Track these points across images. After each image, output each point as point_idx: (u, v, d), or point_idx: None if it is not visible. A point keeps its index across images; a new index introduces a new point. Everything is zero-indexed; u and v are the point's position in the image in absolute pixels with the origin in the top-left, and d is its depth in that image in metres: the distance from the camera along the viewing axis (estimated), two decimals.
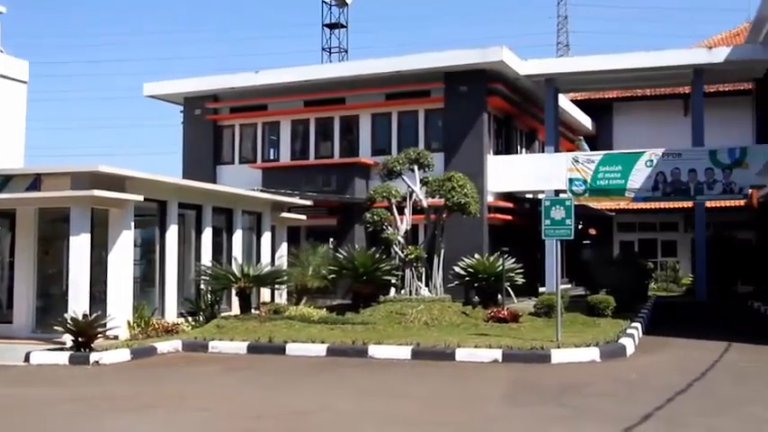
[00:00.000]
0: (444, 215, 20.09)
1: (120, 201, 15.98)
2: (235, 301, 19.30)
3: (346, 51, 54.73)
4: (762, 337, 16.50)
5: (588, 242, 34.49)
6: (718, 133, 28.93)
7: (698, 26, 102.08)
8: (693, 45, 34.30)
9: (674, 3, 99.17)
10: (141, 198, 16.23)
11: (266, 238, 22.02)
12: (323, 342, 14.71)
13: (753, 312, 23.70)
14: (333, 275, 20.42)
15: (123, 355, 13.96)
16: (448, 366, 12.92)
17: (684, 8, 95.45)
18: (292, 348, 14.56)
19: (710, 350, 14.34)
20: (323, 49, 54.80)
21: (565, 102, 31.59)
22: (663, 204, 30.75)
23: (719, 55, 26.67)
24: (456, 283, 21.11)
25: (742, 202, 28.99)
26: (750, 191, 26.44)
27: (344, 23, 54.98)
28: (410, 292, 19.32)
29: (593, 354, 13.37)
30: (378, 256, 20.01)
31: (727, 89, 33.13)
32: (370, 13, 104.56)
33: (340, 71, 28.24)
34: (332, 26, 54.90)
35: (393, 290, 20.05)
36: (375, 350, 14.01)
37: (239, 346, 14.94)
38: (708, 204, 27.62)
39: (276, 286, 20.86)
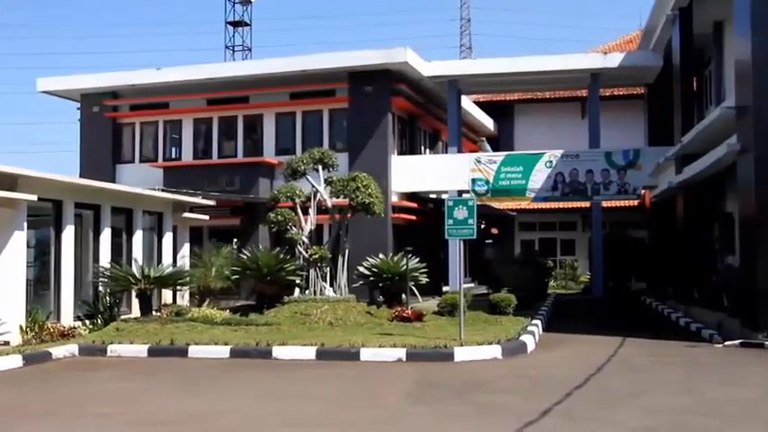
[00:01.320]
0: (349, 215, 20.11)
1: (12, 200, 15.32)
2: (135, 303, 18.80)
3: (250, 50, 54.21)
4: (654, 332, 17.18)
5: (490, 241, 35.19)
6: (614, 135, 29.98)
7: (595, 32, 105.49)
8: (590, 50, 35.43)
9: (572, 9, 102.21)
10: (35, 197, 15.60)
11: (168, 238, 21.55)
12: (226, 344, 14.48)
13: (646, 308, 24.65)
14: (236, 276, 20.16)
15: (15, 361, 13.37)
16: (353, 366, 12.92)
17: (582, 14, 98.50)
18: (195, 350, 14.28)
19: (606, 345, 14.81)
20: (226, 47, 54.12)
21: (468, 103, 32.12)
22: (562, 204, 31.71)
23: (614, 60, 27.65)
24: (360, 282, 21.17)
25: (636, 202, 30.14)
26: (643, 191, 27.51)
27: (248, 21, 54.40)
28: (315, 292, 19.25)
29: (495, 351, 13.62)
30: (282, 256, 19.87)
31: (621, 93, 34.39)
32: (274, 12, 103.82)
33: (244, 70, 27.93)
34: (235, 24, 54.23)
35: (297, 290, 19.93)
36: (279, 351, 13.89)
37: (139, 350, 14.55)
38: (604, 204, 28.61)
39: (178, 288, 20.43)
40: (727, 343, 14.84)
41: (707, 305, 18.81)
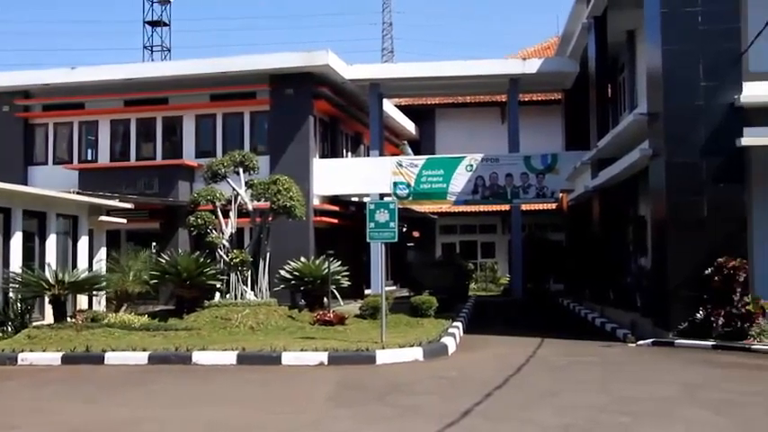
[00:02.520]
0: (270, 218, 19.96)
1: None
2: (48, 309, 18.23)
3: (169, 50, 53.34)
4: (571, 332, 17.59)
5: (412, 244, 35.44)
6: (533, 140, 30.56)
7: (514, 38, 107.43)
8: (509, 56, 36.02)
9: (492, 15, 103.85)
10: None
11: (83, 242, 20.97)
12: (144, 350, 14.17)
13: (563, 309, 25.19)
14: (155, 281, 19.79)
15: None
16: (274, 370, 12.82)
17: (503, 20, 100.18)
18: (111, 357, 13.93)
19: (525, 346, 15.07)
20: (144, 47, 53.10)
21: (389, 107, 32.28)
22: (482, 207, 32.19)
23: (533, 66, 28.21)
24: (282, 286, 21.07)
25: (554, 206, 30.78)
26: (561, 195, 28.14)
27: (167, 21, 53.50)
28: (235, 296, 19.04)
29: (416, 353, 13.70)
30: (202, 260, 19.59)
31: (540, 98, 35.08)
32: (194, 12, 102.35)
33: (163, 70, 27.46)
34: (154, 24, 53.27)
35: (218, 294, 19.69)
36: (199, 356, 13.67)
37: (53, 357, 14.10)
38: (523, 207, 29.17)
39: (94, 293, 19.91)
40: (640, 342, 15.30)
41: (621, 305, 19.35)
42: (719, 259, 14.70)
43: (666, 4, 15.62)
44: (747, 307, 14.41)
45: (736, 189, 15.23)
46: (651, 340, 15.23)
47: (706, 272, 14.79)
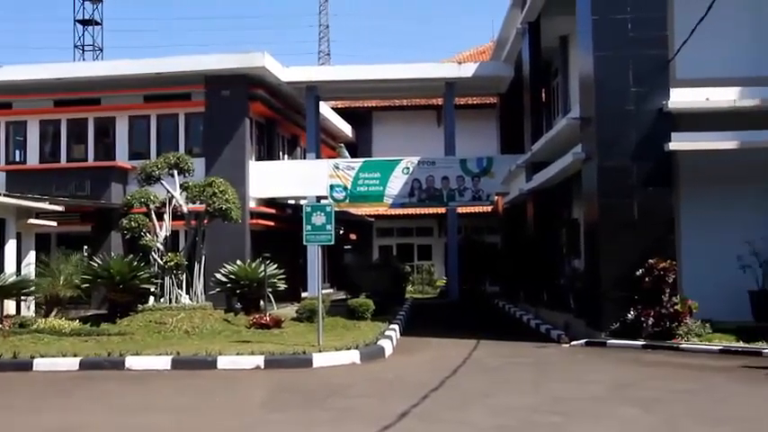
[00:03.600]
0: (205, 221, 19.73)
1: None
2: None
3: (101, 50, 52.28)
4: (506, 334, 17.81)
5: (349, 247, 35.44)
6: (469, 143, 30.84)
7: (450, 42, 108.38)
8: (446, 60, 36.32)
9: (429, 19, 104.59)
10: None
11: (11, 246, 20.38)
12: (75, 355, 13.83)
13: (499, 310, 25.49)
14: (87, 285, 19.37)
15: None
16: (210, 375, 12.67)
17: (439, 24, 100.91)
18: (40, 364, 13.55)
19: (461, 348, 15.20)
20: (75, 46, 51.95)
21: (326, 109, 32.23)
22: (419, 210, 32.38)
23: (468, 70, 28.51)
24: (218, 290, 20.85)
25: (489, 208, 31.15)
26: (496, 197, 28.49)
27: (99, 20, 52.45)
28: (170, 300, 18.75)
29: (353, 356, 13.71)
30: (136, 263, 19.26)
31: (475, 102, 35.45)
32: (127, 12, 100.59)
33: (95, 70, 26.89)
34: (85, 23, 52.17)
35: (152, 298, 19.37)
36: (132, 361, 13.42)
37: None
38: (459, 210, 29.44)
39: (22, 297, 19.39)
40: (573, 343, 15.58)
41: (555, 307, 19.68)
42: (650, 260, 15.08)
43: (597, 10, 15.97)
44: (676, 307, 14.81)
45: (665, 192, 15.65)
46: (584, 341, 15.52)
47: (637, 273, 15.16)
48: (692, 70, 15.96)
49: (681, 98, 15.73)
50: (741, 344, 14.07)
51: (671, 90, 15.76)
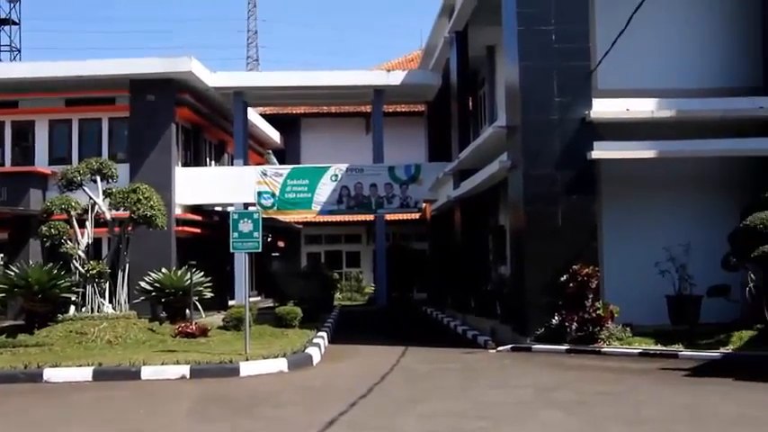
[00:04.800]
0: (129, 228, 19.32)
1: None
2: None
3: (19, 51, 50.81)
4: (433, 340, 17.94)
5: (277, 254, 35.19)
6: (397, 151, 31.01)
7: (379, 50, 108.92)
8: (375, 67, 36.45)
9: (358, 26, 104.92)
10: None
11: None
12: None
13: (427, 317, 25.65)
14: (3, 294, 18.72)
15: None
16: (133, 386, 12.40)
17: (368, 31, 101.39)
18: None
19: (390, 354, 15.24)
20: None
21: (254, 115, 31.97)
22: (347, 217, 32.37)
23: (397, 78, 28.68)
24: (142, 298, 20.44)
25: (417, 215, 31.34)
26: (424, 204, 28.70)
27: (17, 20, 50.99)
28: (92, 309, 18.27)
29: (281, 364, 13.60)
30: (56, 271, 18.70)
31: (404, 110, 35.67)
32: (47, 12, 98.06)
33: (12, 72, 26.02)
34: (2, 22, 50.61)
35: (73, 308, 18.83)
36: (51, 373, 13.02)
37: None
38: (387, 217, 29.56)
39: None
40: (500, 348, 15.77)
41: (482, 313, 19.90)
42: (574, 266, 15.40)
43: (523, 21, 16.26)
44: (598, 312, 15.15)
45: (588, 200, 16.01)
46: (510, 346, 15.73)
47: (561, 279, 15.45)
48: (613, 81, 16.41)
49: (602, 108, 16.13)
50: (659, 347, 14.49)
51: (593, 100, 16.14)
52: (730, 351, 13.92)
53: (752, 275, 15.05)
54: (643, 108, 16.33)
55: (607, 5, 16.61)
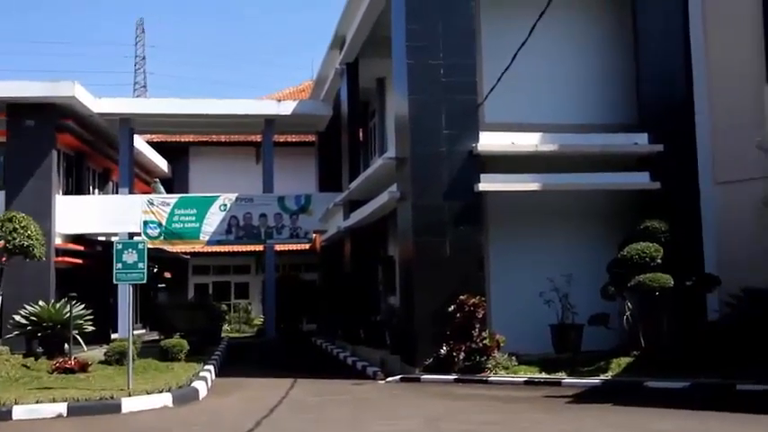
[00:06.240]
0: (3, 259, 18.42)
1: None
2: None
3: None
4: (323, 372, 17.82)
5: (163, 286, 34.27)
6: (288, 181, 30.89)
7: (271, 79, 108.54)
8: (265, 96, 36.28)
9: (248, 55, 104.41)
10: None
11: None
12: None
13: (316, 348, 25.48)
14: None
15: None
16: (4, 427, 11.72)
17: (257, 61, 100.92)
18: None
19: (278, 387, 15.02)
20: None
21: (141, 143, 31.21)
22: (236, 247, 31.91)
23: (288, 108, 28.66)
24: (16, 333, 19.45)
25: (307, 246, 31.21)
26: (314, 235, 28.63)
27: None
28: None
29: (165, 399, 13.18)
30: None
31: (294, 140, 35.59)
32: None
33: None
34: None
35: None
36: None
37: None
38: (277, 248, 29.32)
39: None
40: (389, 379, 15.79)
41: (372, 344, 19.90)
42: (461, 297, 15.60)
43: (412, 55, 16.54)
44: (485, 341, 15.40)
45: (475, 231, 16.32)
46: (399, 377, 15.77)
47: (449, 309, 15.63)
48: (499, 115, 16.87)
49: (489, 141, 16.54)
50: (544, 375, 14.83)
51: (480, 133, 16.53)
52: (609, 378, 14.40)
53: (628, 304, 15.62)
54: (528, 142, 16.83)
55: (493, 35, 17.11)
